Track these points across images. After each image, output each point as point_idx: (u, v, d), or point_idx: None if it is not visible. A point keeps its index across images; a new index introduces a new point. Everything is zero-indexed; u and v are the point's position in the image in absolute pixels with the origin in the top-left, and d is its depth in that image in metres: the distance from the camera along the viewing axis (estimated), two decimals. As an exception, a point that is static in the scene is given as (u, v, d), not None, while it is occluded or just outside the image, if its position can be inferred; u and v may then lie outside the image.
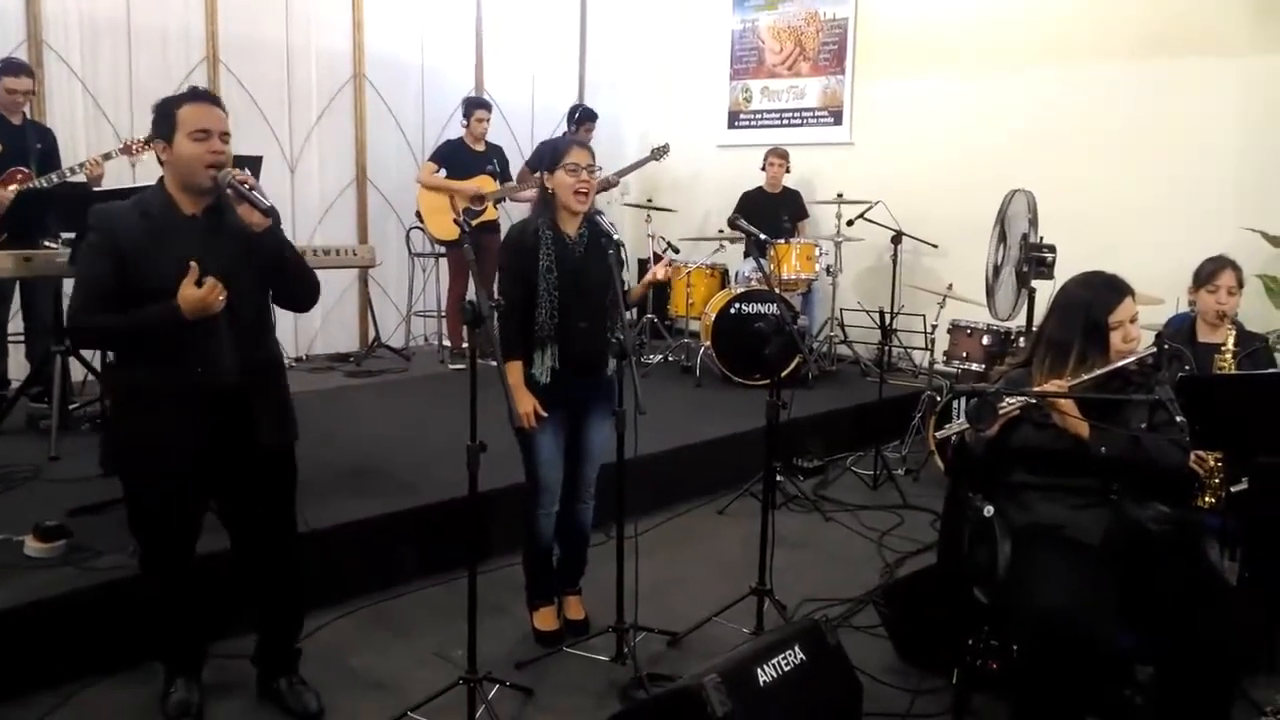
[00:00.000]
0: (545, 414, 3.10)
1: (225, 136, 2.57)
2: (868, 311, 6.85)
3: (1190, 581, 2.41)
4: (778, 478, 4.78)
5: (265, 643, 2.89)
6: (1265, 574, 2.97)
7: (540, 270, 3.07)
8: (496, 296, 3.06)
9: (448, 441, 3.52)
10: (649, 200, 7.51)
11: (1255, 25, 5.66)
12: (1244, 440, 2.77)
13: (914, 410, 5.63)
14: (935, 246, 6.62)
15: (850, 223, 6.76)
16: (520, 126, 7.80)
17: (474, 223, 6.24)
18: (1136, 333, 2.63)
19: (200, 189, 2.56)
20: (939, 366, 5.91)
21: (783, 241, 6.45)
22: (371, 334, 6.96)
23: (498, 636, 3.30)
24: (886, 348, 6.26)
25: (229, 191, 2.52)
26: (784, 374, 5.40)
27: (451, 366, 6.48)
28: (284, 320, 4.86)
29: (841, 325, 6.98)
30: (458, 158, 6.48)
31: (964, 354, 5.41)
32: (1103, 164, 6.19)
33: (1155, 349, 2.72)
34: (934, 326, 6.04)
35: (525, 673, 3.10)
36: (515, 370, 3.09)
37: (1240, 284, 3.60)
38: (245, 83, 6.32)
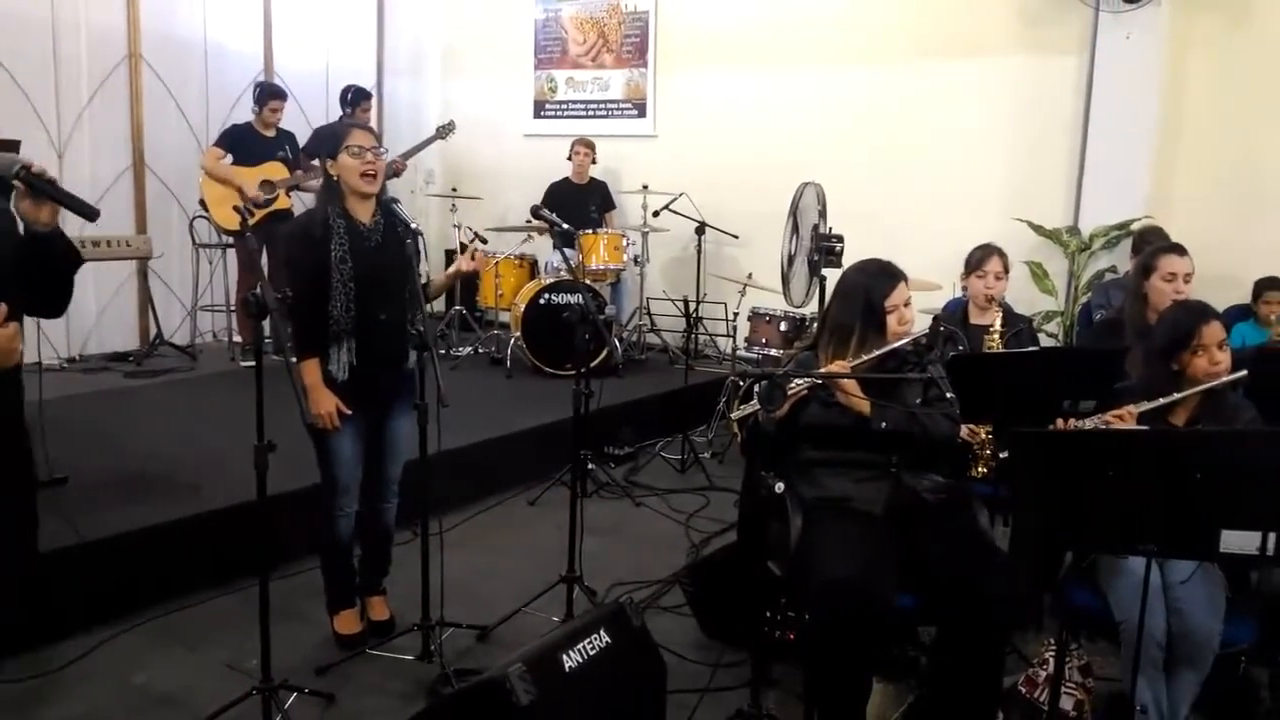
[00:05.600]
0: (349, 412, 2.99)
1: None
2: (673, 300, 7.02)
3: (963, 545, 2.59)
4: (589, 466, 4.83)
5: None
6: (1031, 536, 3.25)
7: (332, 261, 2.94)
8: (285, 290, 2.91)
9: (237, 442, 3.34)
10: (454, 189, 7.37)
11: (1021, 29, 6.14)
12: (1005, 412, 3.00)
13: (719, 395, 5.80)
14: (736, 237, 6.84)
15: (656, 213, 6.88)
16: (314, 110, 7.48)
17: (265, 212, 5.95)
18: (910, 315, 2.79)
19: None
20: (741, 352, 6.11)
21: (590, 232, 6.50)
22: (153, 331, 6.48)
23: (296, 643, 3.18)
24: (692, 335, 6.42)
25: (17, 184, 2.24)
26: (593, 363, 5.45)
27: (243, 363, 6.15)
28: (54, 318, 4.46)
29: (649, 314, 7.10)
30: (246, 143, 6.13)
31: (763, 340, 5.63)
32: (886, 159, 6.58)
33: (928, 331, 2.92)
34: (736, 314, 6.23)
35: (326, 678, 3.00)
36: (312, 368, 2.97)
37: (1007, 270, 3.89)
38: (4, 60, 5.74)
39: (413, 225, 3.02)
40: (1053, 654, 2.69)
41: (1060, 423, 2.73)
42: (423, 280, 3.19)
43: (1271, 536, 2.07)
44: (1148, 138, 5.73)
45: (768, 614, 3.02)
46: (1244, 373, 2.65)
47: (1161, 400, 2.65)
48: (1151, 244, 3.89)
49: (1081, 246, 5.87)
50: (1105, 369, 2.96)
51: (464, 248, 3.47)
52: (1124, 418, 2.63)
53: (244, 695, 2.70)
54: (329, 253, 2.94)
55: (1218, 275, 4.56)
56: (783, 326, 5.58)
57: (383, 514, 3.28)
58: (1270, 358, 3.43)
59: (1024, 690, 2.74)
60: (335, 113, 7.46)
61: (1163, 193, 5.72)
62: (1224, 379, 2.64)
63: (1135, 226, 5.47)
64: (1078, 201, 6.00)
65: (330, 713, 2.85)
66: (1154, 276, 3.43)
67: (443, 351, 6.59)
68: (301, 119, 7.12)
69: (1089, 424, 2.71)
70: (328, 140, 3.06)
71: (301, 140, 6.41)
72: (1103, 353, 3.27)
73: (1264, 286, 4.76)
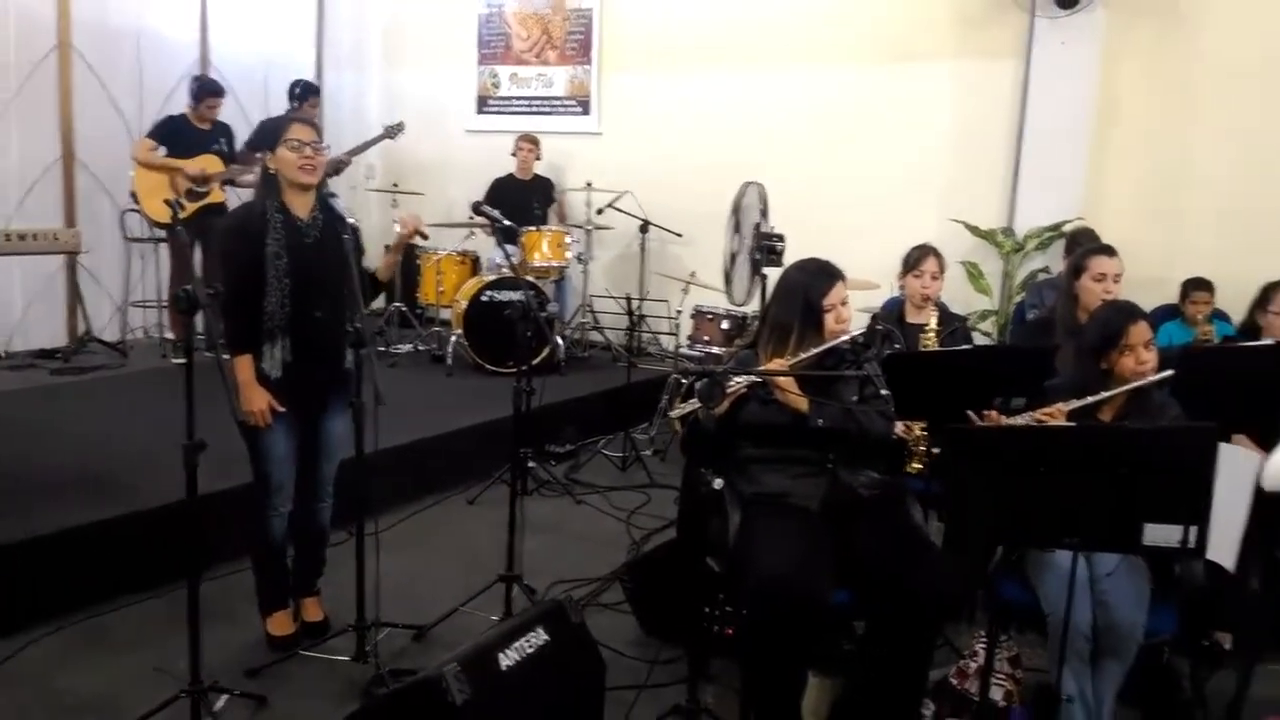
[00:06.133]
0: (282, 409, 2.94)
1: None
2: (616, 298, 7.01)
3: (896, 541, 2.63)
4: (530, 464, 4.80)
5: None
6: (962, 530, 3.30)
7: (267, 256, 2.89)
8: (216, 285, 2.85)
9: (168, 441, 3.27)
10: (395, 185, 7.29)
11: (960, 33, 6.25)
12: (939, 409, 3.05)
13: (661, 393, 5.81)
14: (680, 235, 6.86)
15: (600, 211, 6.87)
16: (251, 102, 7.33)
17: (198, 206, 5.83)
18: (848, 314, 2.82)
19: None
20: (684, 350, 6.13)
21: (534, 229, 6.47)
22: (81, 327, 6.31)
23: (228, 645, 3.12)
24: (635, 333, 6.42)
25: None
26: (535, 361, 5.43)
27: (175, 360, 6.00)
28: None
29: (592, 312, 7.09)
30: (181, 136, 5.99)
31: (706, 338, 5.66)
32: (829, 159, 6.64)
33: (866, 329, 2.96)
34: (679, 312, 6.26)
35: (258, 680, 2.95)
36: (245, 365, 2.91)
37: (942, 269, 3.95)
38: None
39: (351, 220, 2.98)
40: (983, 646, 2.74)
41: (977, 416, 2.78)
42: (369, 270, 3.15)
43: (1192, 530, 2.13)
44: (1081, 142, 5.86)
45: (706, 610, 3.04)
46: (1170, 372, 2.72)
47: (1090, 398, 2.71)
48: (1083, 245, 3.98)
49: (1016, 247, 5.99)
50: (1036, 367, 3.03)
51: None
52: (1054, 415, 2.69)
53: (171, 699, 2.64)
54: (264, 247, 2.89)
55: (1146, 276, 4.68)
56: (725, 325, 5.61)
57: (317, 514, 3.23)
58: (1196, 357, 3.54)
59: (955, 681, 2.79)
60: (274, 105, 7.35)
61: (1095, 196, 5.86)
62: (1150, 378, 2.71)
63: (1068, 228, 5.61)
64: (1013, 203, 6.12)
65: (261, 715, 2.80)
66: (1084, 277, 3.51)
67: (382, 349, 6.51)
68: (238, 111, 6.97)
69: (1020, 421, 2.76)
70: (268, 133, 3.01)
71: (238, 133, 6.29)
72: (1034, 351, 3.34)
73: (1191, 287, 4.91)
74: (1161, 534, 2.14)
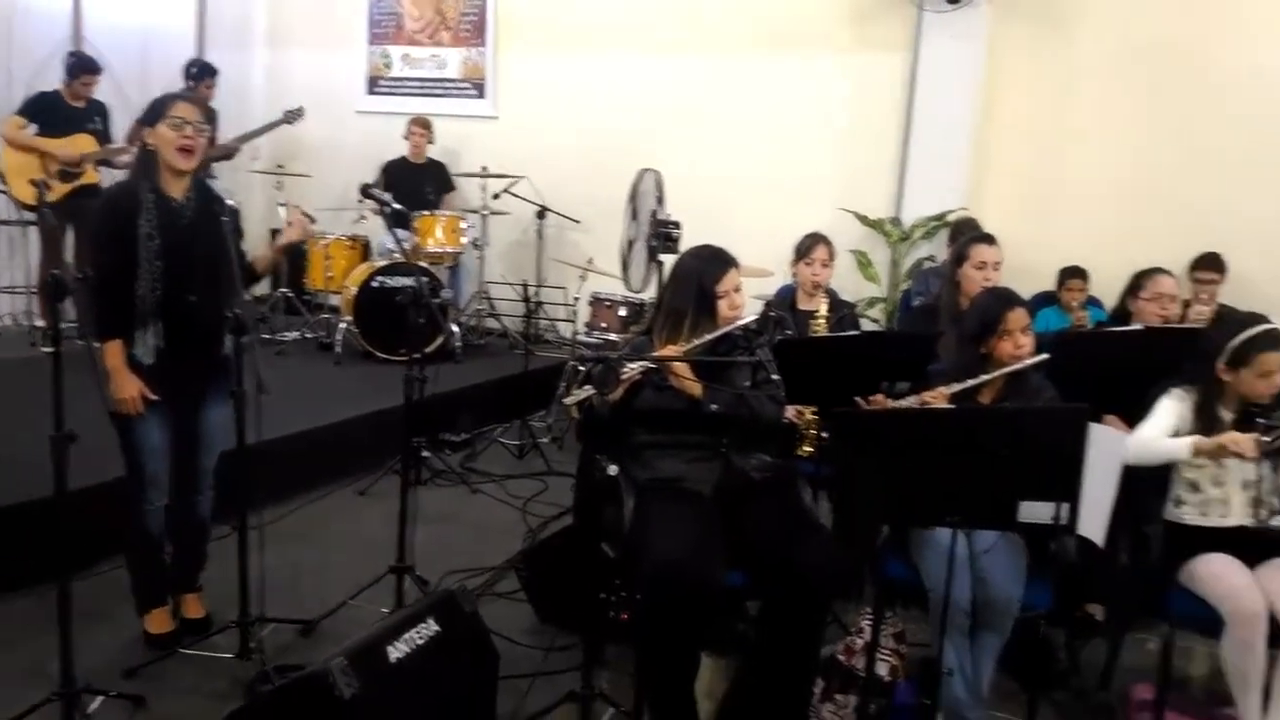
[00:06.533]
0: (155, 398, 2.82)
1: None
2: (513, 285, 6.94)
3: (787, 522, 2.67)
4: (424, 454, 4.71)
5: None
6: (850, 511, 3.38)
7: (139, 237, 2.77)
8: (86, 270, 2.71)
9: (35, 434, 3.10)
10: (280, 166, 7.05)
11: (852, 24, 6.38)
12: (829, 393, 3.10)
13: (558, 380, 5.78)
14: (578, 221, 6.83)
15: (496, 196, 6.78)
16: (129, 79, 6.97)
17: (70, 187, 5.54)
18: (741, 301, 2.85)
19: None
20: (582, 337, 6.11)
21: (427, 213, 6.35)
22: (-56, 315, 5.94)
23: (104, 645, 2.99)
24: (532, 320, 6.37)
25: None
26: (429, 348, 5.33)
27: (44, 349, 5.68)
28: None
29: (488, 299, 7.00)
30: (53, 113, 5.67)
31: (604, 324, 5.66)
32: (724, 147, 6.70)
33: (758, 315, 3.00)
34: (576, 299, 6.23)
35: (135, 681, 2.84)
36: (115, 351, 2.79)
37: (832, 257, 4.03)
38: None
39: (229, 202, 2.87)
40: (869, 623, 2.82)
41: (864, 401, 2.85)
42: (247, 258, 3.04)
43: (1064, 507, 2.22)
44: (966, 134, 6.05)
45: (602, 596, 3.04)
46: (1045, 356, 2.83)
47: (970, 381, 2.80)
48: (966, 235, 4.11)
49: (903, 236, 6.15)
50: (920, 352, 3.12)
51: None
52: (937, 398, 2.77)
53: (42, 701, 2.52)
54: (136, 227, 2.76)
55: (1025, 264, 4.87)
56: (623, 311, 5.62)
57: (196, 507, 3.11)
58: (1070, 341, 3.69)
59: (843, 658, 2.85)
60: (153, 84, 6.98)
61: (978, 187, 6.07)
62: (1026, 361, 2.81)
63: (952, 218, 5.79)
64: (900, 194, 6.28)
65: (140, 716, 2.70)
66: (966, 265, 3.62)
67: (267, 336, 6.30)
68: (115, 90, 6.61)
69: (905, 404, 2.84)
70: (150, 109, 2.87)
71: (116, 113, 5.98)
72: (917, 337, 3.44)
73: (1067, 275, 5.11)
74: (1036, 511, 2.22)
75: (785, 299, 4.11)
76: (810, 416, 3.51)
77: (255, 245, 3.15)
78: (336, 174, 7.46)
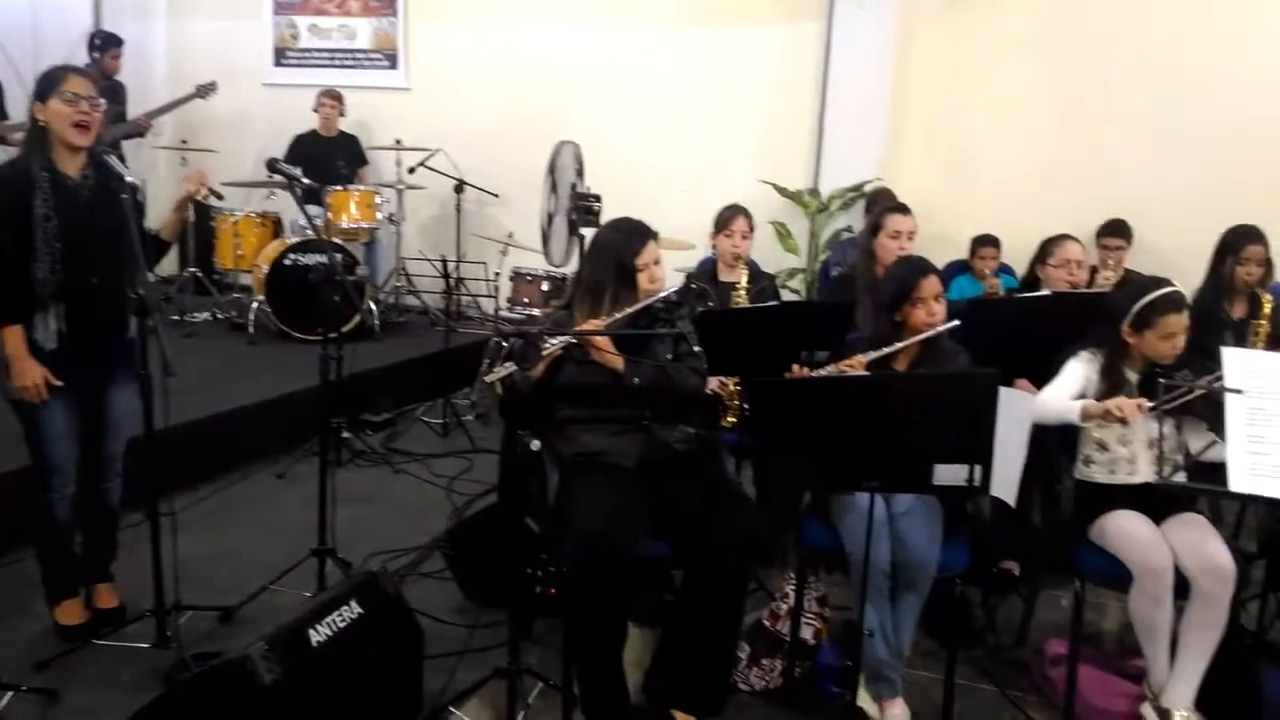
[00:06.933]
0: (59, 383, 2.72)
1: None
2: (432, 261, 6.82)
3: (710, 491, 2.70)
4: (345, 434, 4.64)
5: None
6: (770, 479, 3.44)
7: (36, 219, 2.66)
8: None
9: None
10: (184, 141, 6.80)
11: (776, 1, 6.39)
12: (748, 364, 3.13)
13: (481, 356, 5.71)
14: (497, 196, 6.74)
15: (411, 170, 6.65)
16: (20, 51, 6.61)
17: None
18: (661, 274, 2.85)
19: None
20: (504, 313, 6.05)
21: (340, 188, 6.20)
22: None
23: (13, 638, 2.91)
24: (453, 297, 6.28)
25: None
26: (346, 327, 5.22)
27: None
28: None
29: (407, 275, 6.88)
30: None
31: (526, 300, 5.62)
32: (643, 120, 6.67)
33: (678, 288, 3.00)
34: (497, 274, 6.16)
35: (47, 674, 2.75)
36: (14, 336, 2.68)
37: (752, 229, 4.05)
38: None
39: (128, 179, 2.76)
40: (793, 588, 2.88)
41: (796, 369, 2.88)
42: (152, 231, 2.93)
43: (977, 469, 2.29)
44: (880, 105, 6.13)
45: (528, 571, 3.03)
46: (956, 322, 2.90)
47: (885, 349, 2.85)
48: (880, 205, 4.18)
49: (821, 207, 6.23)
50: (838, 321, 3.16)
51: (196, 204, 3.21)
52: (854, 366, 2.82)
53: (-55, 701, 2.42)
54: (31, 208, 2.65)
55: (939, 233, 4.97)
56: (545, 286, 5.58)
57: (105, 494, 3.01)
58: (982, 307, 3.79)
59: (768, 623, 2.91)
60: (46, 57, 6.66)
61: (893, 157, 6.16)
62: (939, 328, 2.88)
63: (868, 189, 5.88)
64: (818, 165, 6.35)
65: (54, 711, 2.62)
66: (881, 234, 3.68)
67: (175, 317, 6.10)
68: (6, 64, 6.27)
69: (823, 373, 2.88)
70: (40, 83, 2.73)
71: (7, 87, 5.67)
72: (835, 306, 3.49)
73: (979, 243, 5.23)
74: (950, 474, 2.28)
75: (706, 271, 4.12)
76: (733, 388, 3.54)
77: (157, 224, 3.03)
78: (244, 149, 7.23)
